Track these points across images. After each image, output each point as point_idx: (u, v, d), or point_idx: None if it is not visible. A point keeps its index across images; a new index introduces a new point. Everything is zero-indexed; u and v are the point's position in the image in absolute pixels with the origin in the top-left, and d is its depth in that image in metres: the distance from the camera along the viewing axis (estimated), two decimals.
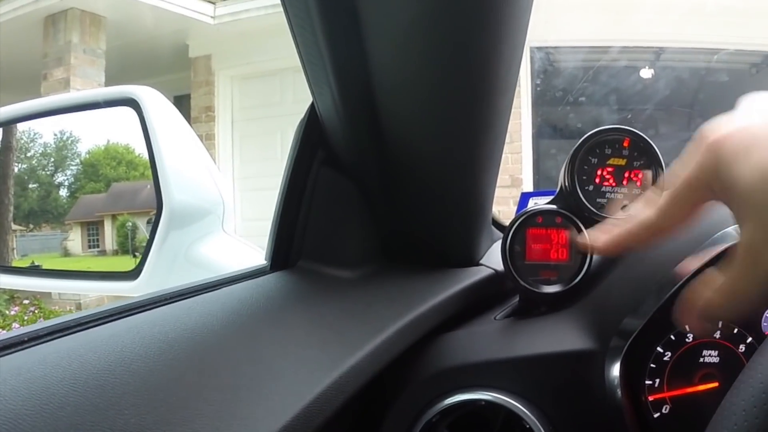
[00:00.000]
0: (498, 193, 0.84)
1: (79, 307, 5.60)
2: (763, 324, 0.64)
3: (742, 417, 0.36)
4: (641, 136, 0.68)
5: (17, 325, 5.02)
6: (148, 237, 1.15)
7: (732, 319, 0.47)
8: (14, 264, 2.06)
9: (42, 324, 0.49)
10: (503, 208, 4.76)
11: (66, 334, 0.48)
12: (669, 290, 0.62)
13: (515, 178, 5.81)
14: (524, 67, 5.91)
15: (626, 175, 0.69)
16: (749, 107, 0.47)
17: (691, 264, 0.61)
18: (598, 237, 0.57)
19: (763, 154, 0.42)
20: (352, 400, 0.56)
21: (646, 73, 6.12)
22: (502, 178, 5.55)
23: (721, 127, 0.45)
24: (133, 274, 1.15)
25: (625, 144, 0.69)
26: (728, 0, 5.18)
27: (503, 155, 0.77)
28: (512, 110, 0.70)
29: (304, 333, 0.61)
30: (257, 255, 1.14)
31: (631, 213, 0.54)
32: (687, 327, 0.49)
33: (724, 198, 0.45)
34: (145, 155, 1.17)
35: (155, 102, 1.16)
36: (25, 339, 0.46)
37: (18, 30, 6.09)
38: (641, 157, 0.69)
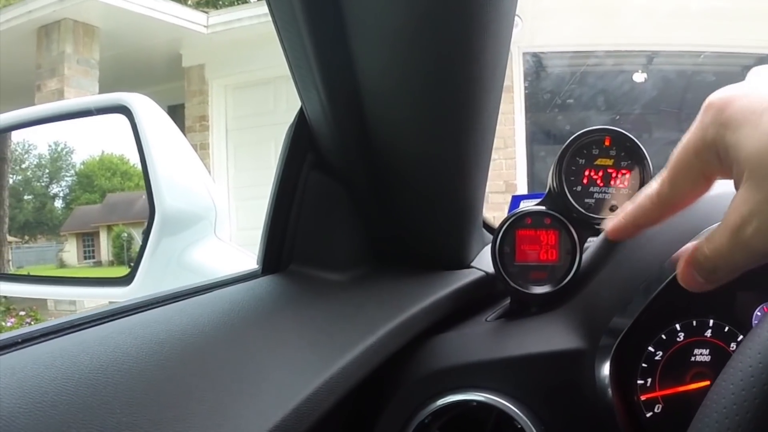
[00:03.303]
0: (492, 198, 0.85)
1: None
2: (754, 322, 0.65)
3: (723, 414, 0.36)
4: (628, 136, 0.69)
5: None
6: (140, 243, 1.16)
7: (716, 279, 0.47)
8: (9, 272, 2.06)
9: (36, 326, 0.49)
10: (498, 213, 4.75)
11: (59, 335, 0.49)
12: (656, 288, 0.62)
13: (509, 184, 5.81)
14: (517, 73, 5.92)
15: (614, 174, 0.69)
16: (756, 77, 0.46)
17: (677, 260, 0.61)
18: (610, 222, 0.57)
19: None
20: (344, 401, 0.57)
21: (639, 77, 6.14)
22: (497, 183, 5.58)
23: (728, 92, 0.45)
24: (127, 280, 1.15)
25: (612, 144, 0.69)
26: (711, 2, 5.20)
27: (497, 161, 0.78)
28: (506, 116, 0.71)
29: (295, 335, 0.62)
30: (249, 260, 1.14)
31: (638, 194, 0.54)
32: (679, 277, 0.49)
33: (727, 162, 0.44)
34: (140, 166, 1.17)
35: (147, 108, 1.16)
36: (19, 340, 0.46)
37: (11, 41, 6.09)
38: (628, 157, 0.69)
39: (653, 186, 0.52)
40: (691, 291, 0.49)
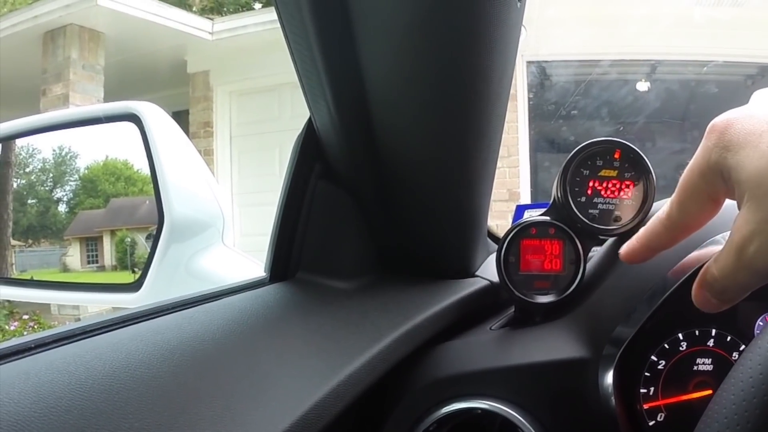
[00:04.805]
0: (496, 207, 0.85)
1: (78, 321, 5.57)
2: (756, 332, 0.65)
3: (724, 424, 0.37)
4: (632, 147, 0.69)
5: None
6: (149, 250, 1.16)
7: (728, 299, 0.48)
8: (14, 277, 2.06)
9: (48, 332, 0.50)
10: (501, 222, 4.73)
11: (71, 341, 0.49)
12: (659, 298, 0.62)
13: (513, 192, 5.79)
14: (521, 82, 5.92)
15: (618, 186, 0.70)
16: (758, 100, 0.47)
17: (681, 272, 0.62)
18: (623, 247, 0.58)
19: None
20: (350, 408, 0.57)
21: (643, 86, 6.13)
22: (500, 192, 5.56)
23: (730, 115, 0.46)
24: (135, 286, 1.16)
25: (616, 155, 0.69)
26: (715, 11, 5.20)
27: (501, 170, 0.78)
28: (510, 125, 0.71)
29: (303, 342, 0.62)
30: (256, 267, 1.14)
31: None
32: (694, 299, 0.50)
33: (731, 184, 0.45)
34: (144, 171, 1.18)
35: (156, 117, 1.17)
36: (32, 346, 0.47)
37: (17, 46, 6.09)
38: (632, 169, 0.69)
39: (664, 209, 0.53)
40: (708, 312, 0.50)
